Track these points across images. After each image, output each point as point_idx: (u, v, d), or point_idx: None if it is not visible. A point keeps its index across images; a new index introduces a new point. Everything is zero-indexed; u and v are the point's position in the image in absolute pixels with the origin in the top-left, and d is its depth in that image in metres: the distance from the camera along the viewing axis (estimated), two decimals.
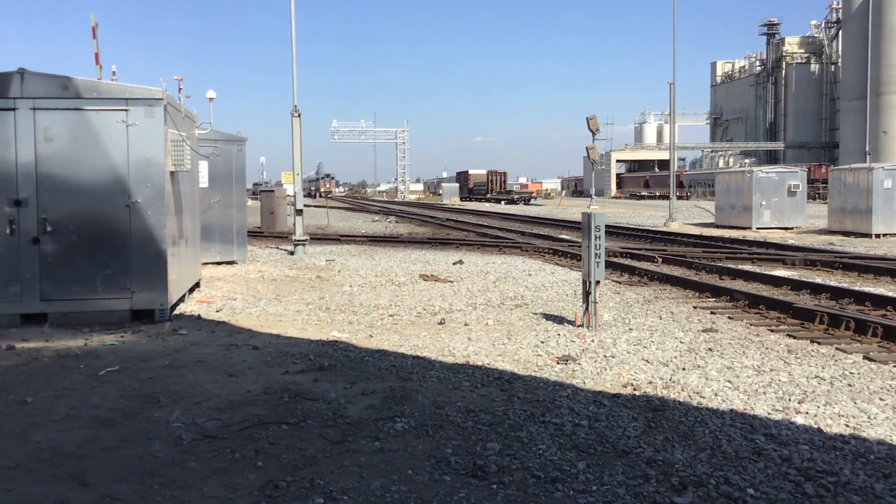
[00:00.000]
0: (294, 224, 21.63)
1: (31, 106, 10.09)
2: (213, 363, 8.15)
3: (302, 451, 5.43)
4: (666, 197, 66.20)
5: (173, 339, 9.43)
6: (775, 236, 27.21)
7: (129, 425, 6.03)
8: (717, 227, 32.57)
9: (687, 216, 41.37)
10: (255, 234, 26.33)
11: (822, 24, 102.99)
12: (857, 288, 13.35)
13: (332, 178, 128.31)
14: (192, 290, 12.85)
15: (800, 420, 6.28)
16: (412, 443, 5.66)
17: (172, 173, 10.94)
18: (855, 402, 6.76)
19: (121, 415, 6.31)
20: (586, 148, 57.09)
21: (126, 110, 10.27)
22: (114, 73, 12.90)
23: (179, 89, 13.21)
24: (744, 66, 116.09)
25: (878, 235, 26.29)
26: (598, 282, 10.16)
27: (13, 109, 10.06)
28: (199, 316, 11.06)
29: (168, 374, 7.64)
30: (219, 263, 17.31)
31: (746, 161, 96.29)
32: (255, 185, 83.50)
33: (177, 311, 11.21)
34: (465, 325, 10.63)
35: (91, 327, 10.01)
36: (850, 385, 7.37)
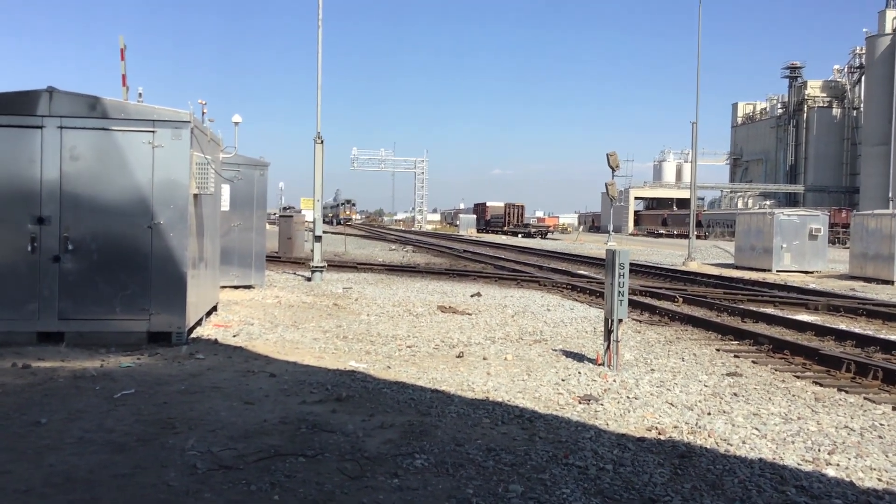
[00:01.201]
0: (312, 250, 21.59)
1: (59, 125, 10.11)
2: (230, 390, 8.04)
3: (319, 486, 5.30)
4: (684, 236, 65.88)
5: (190, 363, 9.33)
6: (796, 280, 26.92)
7: (143, 451, 5.92)
8: (737, 268, 32.28)
9: (706, 256, 41.09)
10: (273, 259, 26.30)
11: (845, 69, 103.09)
12: (882, 336, 13.10)
13: (353, 205, 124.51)
14: (209, 314, 12.79)
15: (831, 472, 6.08)
16: (432, 481, 5.51)
17: (196, 196, 10.92)
18: (887, 456, 6.56)
19: (135, 440, 6.19)
20: (605, 184, 56.93)
21: (153, 132, 10.27)
22: (140, 94, 12.95)
23: (203, 113, 13.24)
24: (765, 108, 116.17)
25: None
26: (620, 320, 10.00)
27: (41, 127, 10.09)
28: (216, 340, 10.97)
29: (184, 400, 7.53)
30: (236, 287, 17.26)
31: (766, 203, 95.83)
32: (284, 209, 79.92)
33: (194, 335, 11.13)
34: (484, 359, 10.48)
35: (107, 348, 9.93)
36: (880, 437, 7.16)
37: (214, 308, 13.45)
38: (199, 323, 11.73)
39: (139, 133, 10.27)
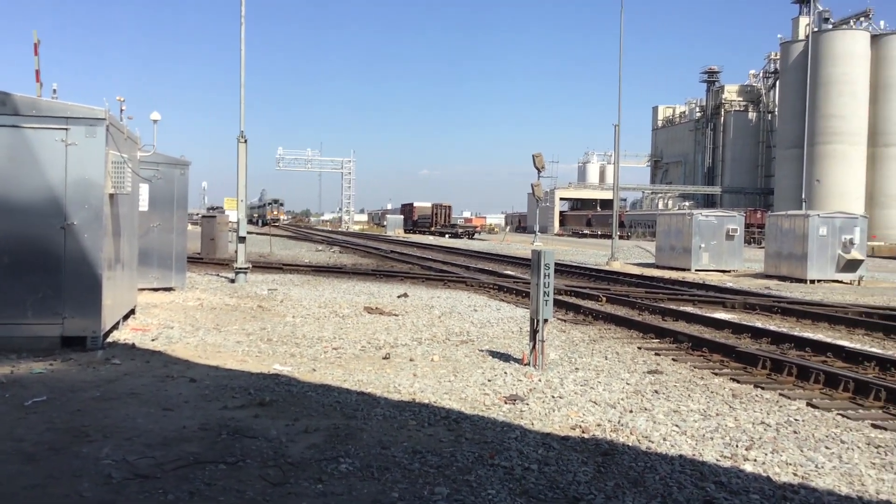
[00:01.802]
0: (236, 251, 21.20)
1: None
2: (147, 396, 7.79)
3: (240, 494, 5.16)
4: (607, 236, 67.07)
5: (105, 368, 9.03)
6: (714, 279, 27.66)
7: (55, 461, 5.68)
8: (658, 267, 33.00)
9: (628, 256, 41.90)
10: (195, 261, 25.71)
11: (761, 74, 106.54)
12: (796, 333, 13.54)
13: (281, 205, 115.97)
14: (126, 318, 12.40)
15: (748, 468, 6.23)
16: (357, 485, 5.43)
17: (112, 196, 10.57)
18: (802, 451, 6.76)
19: (47, 449, 5.94)
20: (532, 185, 57.63)
21: (66, 129, 9.89)
22: (54, 91, 12.51)
23: (121, 110, 12.86)
24: (684, 112, 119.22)
25: (812, 281, 26.91)
26: (546, 320, 10.08)
27: None
28: (133, 345, 10.64)
29: (99, 407, 7.26)
30: (156, 290, 16.81)
31: (686, 204, 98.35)
32: (210, 209, 77.20)
33: (110, 339, 10.78)
34: (411, 360, 10.43)
35: (18, 354, 9.50)
36: (795, 432, 7.38)
37: (132, 311, 13.06)
38: (115, 327, 11.37)
39: (52, 130, 9.88)
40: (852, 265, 27.33)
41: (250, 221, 32.08)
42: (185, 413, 7.17)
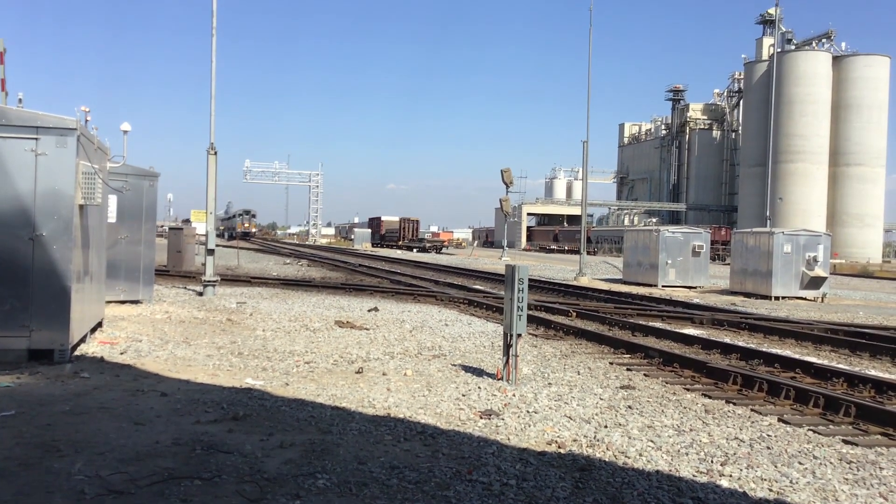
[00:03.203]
0: (205, 264, 20.98)
1: None
2: (118, 410, 7.66)
3: None
4: (574, 251, 67.35)
5: (74, 382, 8.86)
6: (680, 295, 27.93)
7: (26, 477, 5.55)
8: (625, 283, 33.26)
9: (596, 271, 42.17)
10: (162, 273, 25.40)
11: (725, 93, 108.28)
12: (765, 349, 13.71)
13: (253, 216, 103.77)
14: (94, 330, 12.21)
15: (725, 483, 6.27)
16: (335, 501, 5.38)
17: (82, 207, 10.42)
18: (776, 466, 6.82)
19: (17, 465, 5.80)
20: (500, 200, 57.88)
21: (36, 139, 9.74)
22: (20, 100, 12.40)
23: (86, 120, 12.75)
24: (650, 129, 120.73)
25: (777, 298, 27.27)
26: (519, 335, 10.09)
27: None
28: (101, 358, 10.47)
29: (69, 421, 7.12)
30: (123, 302, 16.57)
31: (652, 220, 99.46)
32: (185, 221, 70.02)
33: (78, 352, 10.60)
34: (384, 374, 10.38)
35: None
36: (769, 448, 7.45)
37: (100, 324, 12.85)
38: (83, 340, 11.18)
39: (21, 140, 9.71)
40: (816, 282, 27.75)
41: (218, 235, 31.71)
42: (157, 427, 7.05)
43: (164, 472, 5.78)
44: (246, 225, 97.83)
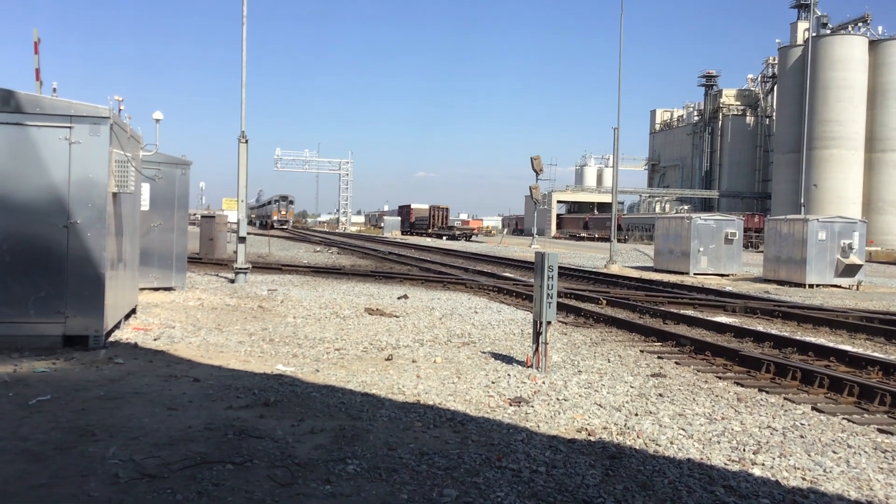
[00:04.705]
0: (236, 251, 21.15)
1: None
2: (152, 395, 7.76)
3: (249, 495, 5.13)
4: (605, 239, 67.07)
5: (108, 367, 8.99)
6: (712, 283, 27.67)
7: (61, 460, 5.64)
8: (656, 270, 33.02)
9: (626, 259, 41.92)
10: (194, 261, 25.66)
11: (759, 78, 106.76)
12: (798, 337, 13.54)
13: (291, 203, 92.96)
14: (128, 317, 12.36)
15: (757, 472, 6.21)
16: (365, 486, 5.41)
17: (115, 195, 10.54)
18: (809, 455, 6.74)
19: (53, 449, 5.90)
20: (530, 188, 57.69)
21: (70, 127, 9.85)
22: (54, 90, 12.45)
23: (120, 109, 12.81)
24: (682, 116, 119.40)
25: (811, 285, 26.93)
26: (549, 322, 10.06)
27: None
28: (135, 344, 10.61)
29: (103, 406, 7.23)
30: (156, 289, 16.77)
31: (683, 207, 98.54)
32: (215, 211, 65.67)
33: (112, 338, 10.74)
34: (413, 361, 10.41)
35: (21, 352, 9.46)
36: (802, 437, 7.36)
37: (133, 311, 13.02)
38: (117, 326, 11.33)
39: (55, 129, 9.83)
40: (851, 270, 27.35)
41: (250, 223, 31.93)
42: (190, 413, 7.13)
43: (196, 456, 5.85)
44: (283, 212, 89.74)
